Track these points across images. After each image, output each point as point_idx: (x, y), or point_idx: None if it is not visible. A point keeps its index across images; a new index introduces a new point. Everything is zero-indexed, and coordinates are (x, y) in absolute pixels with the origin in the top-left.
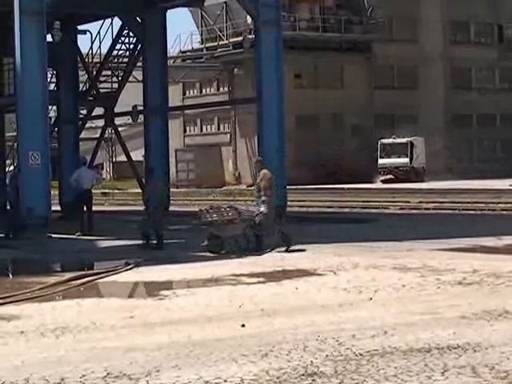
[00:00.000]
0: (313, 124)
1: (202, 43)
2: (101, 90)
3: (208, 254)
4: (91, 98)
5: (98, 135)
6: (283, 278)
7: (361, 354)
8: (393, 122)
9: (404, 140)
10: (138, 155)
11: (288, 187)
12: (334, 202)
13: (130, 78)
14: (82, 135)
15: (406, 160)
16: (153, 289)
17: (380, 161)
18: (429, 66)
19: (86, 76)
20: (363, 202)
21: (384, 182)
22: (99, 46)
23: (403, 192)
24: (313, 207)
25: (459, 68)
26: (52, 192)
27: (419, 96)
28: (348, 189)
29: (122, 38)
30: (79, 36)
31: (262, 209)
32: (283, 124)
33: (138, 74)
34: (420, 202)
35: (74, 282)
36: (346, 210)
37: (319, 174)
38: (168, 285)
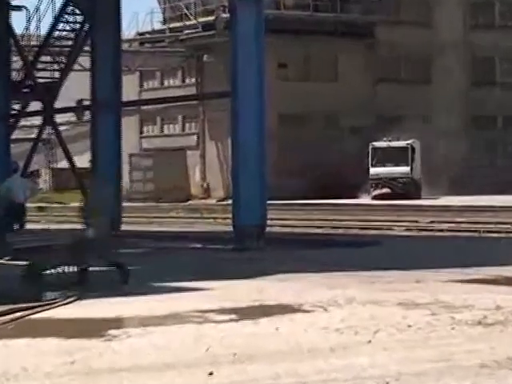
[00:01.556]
0: (301, 125)
1: (165, 23)
2: (39, 80)
3: (167, 285)
4: (26, 90)
5: (34, 136)
6: (261, 316)
7: None
8: (400, 123)
9: (403, 143)
10: (83, 161)
11: (269, 202)
12: (324, 220)
13: (75, 66)
14: (15, 135)
15: (406, 169)
16: (99, 327)
17: (372, 170)
18: (444, 55)
19: (21, 62)
20: (361, 221)
21: (377, 197)
22: (37, 26)
23: (410, 209)
24: (299, 227)
25: (481, 58)
26: None
27: (432, 92)
28: (342, 205)
29: (66, 16)
30: (13, 13)
31: (89, 233)
32: (264, 124)
33: (84, 60)
34: (431, 222)
35: (0, 318)
36: (340, 230)
37: (309, 185)
38: (118, 322)
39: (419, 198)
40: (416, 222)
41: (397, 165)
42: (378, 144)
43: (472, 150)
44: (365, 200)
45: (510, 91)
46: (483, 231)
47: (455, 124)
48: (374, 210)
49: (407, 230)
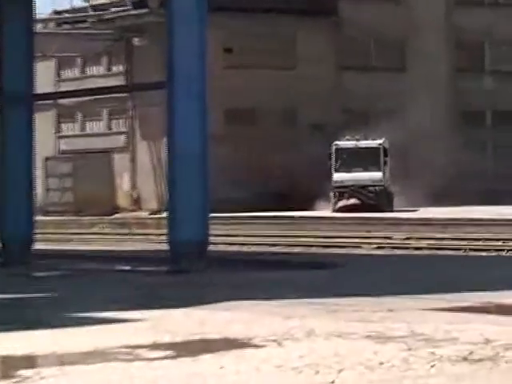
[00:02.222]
0: (252, 122)
1: (87, 0)
2: None
3: (89, 315)
4: None
5: None
6: (202, 352)
7: None
8: (370, 119)
9: (374, 143)
10: None
11: (212, 214)
12: (279, 237)
13: None
14: None
15: (378, 175)
16: (7, 367)
17: (336, 176)
18: (422, 37)
19: None
20: (324, 237)
21: (342, 209)
22: None
23: (383, 223)
24: (248, 244)
25: (467, 41)
26: None
27: (408, 81)
28: (300, 218)
29: None
30: None
31: None
32: (206, 121)
33: None
34: (407, 239)
35: None
36: (298, 249)
37: (261, 194)
38: (29, 361)
39: (392, 209)
40: (389, 238)
41: (366, 169)
42: (342, 144)
43: (456, 151)
44: (327, 212)
45: (501, 82)
46: (469, 249)
47: (436, 120)
48: (338, 224)
49: (378, 247)
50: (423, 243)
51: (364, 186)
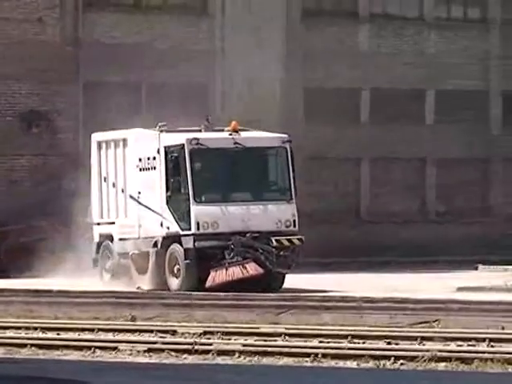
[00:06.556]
0: None
1: None
2: None
3: None
4: None
5: None
6: None
7: None
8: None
9: (273, 139)
10: None
11: None
12: None
13: None
14: None
15: (288, 210)
16: None
17: (197, 211)
18: None
19: None
20: (43, 328)
21: (218, 286)
22: None
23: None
24: None
25: None
26: None
27: None
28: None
29: None
30: None
31: None
32: None
33: None
34: (205, 335)
35: None
36: None
37: None
38: None
39: (281, 285)
40: (171, 333)
41: (260, 198)
42: (205, 139)
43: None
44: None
45: None
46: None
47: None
48: (71, 305)
49: (149, 351)
50: (236, 344)
51: (272, 234)
